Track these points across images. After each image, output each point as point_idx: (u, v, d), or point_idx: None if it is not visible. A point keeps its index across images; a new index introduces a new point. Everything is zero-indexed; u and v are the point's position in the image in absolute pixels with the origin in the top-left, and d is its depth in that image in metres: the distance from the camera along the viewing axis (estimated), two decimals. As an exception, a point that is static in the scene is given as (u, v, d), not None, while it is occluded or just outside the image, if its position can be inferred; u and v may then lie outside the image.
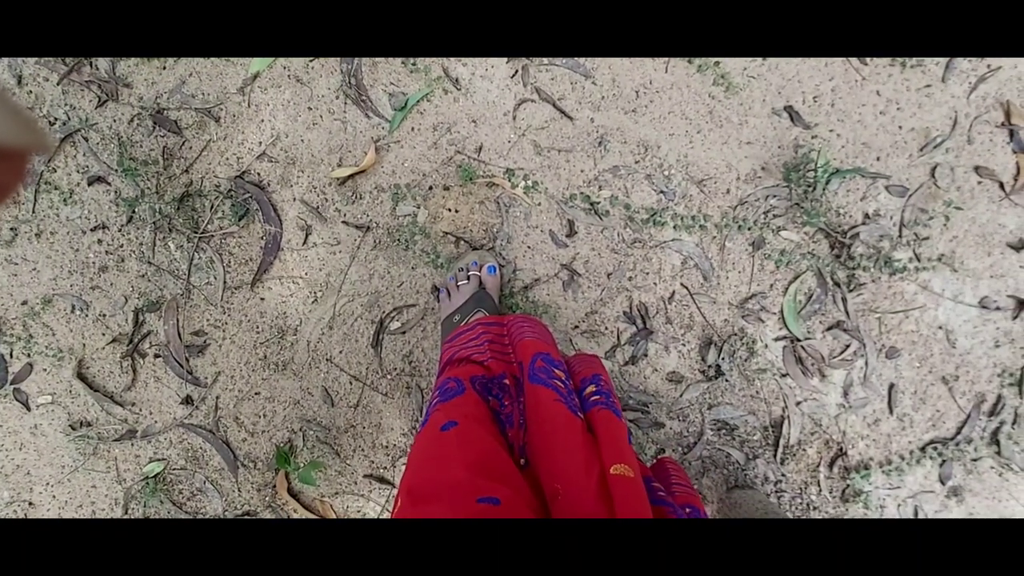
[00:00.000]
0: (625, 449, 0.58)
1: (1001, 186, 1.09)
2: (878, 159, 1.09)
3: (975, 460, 1.10)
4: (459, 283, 1.00)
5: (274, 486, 1.11)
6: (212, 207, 1.07)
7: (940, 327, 1.10)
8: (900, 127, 1.09)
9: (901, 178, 1.09)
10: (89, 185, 1.08)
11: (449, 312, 0.98)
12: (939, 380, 1.10)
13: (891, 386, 1.10)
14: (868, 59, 1.07)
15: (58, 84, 1.07)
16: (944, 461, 1.10)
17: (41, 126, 0.24)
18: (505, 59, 1.07)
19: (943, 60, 1.08)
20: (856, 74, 1.08)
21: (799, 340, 1.09)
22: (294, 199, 1.08)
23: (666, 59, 1.07)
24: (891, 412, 1.10)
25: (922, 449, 1.10)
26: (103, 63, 1.08)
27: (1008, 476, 1.11)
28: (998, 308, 1.10)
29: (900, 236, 1.09)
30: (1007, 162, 1.09)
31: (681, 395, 1.09)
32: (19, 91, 1.07)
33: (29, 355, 1.10)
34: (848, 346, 1.09)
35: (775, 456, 1.09)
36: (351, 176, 1.07)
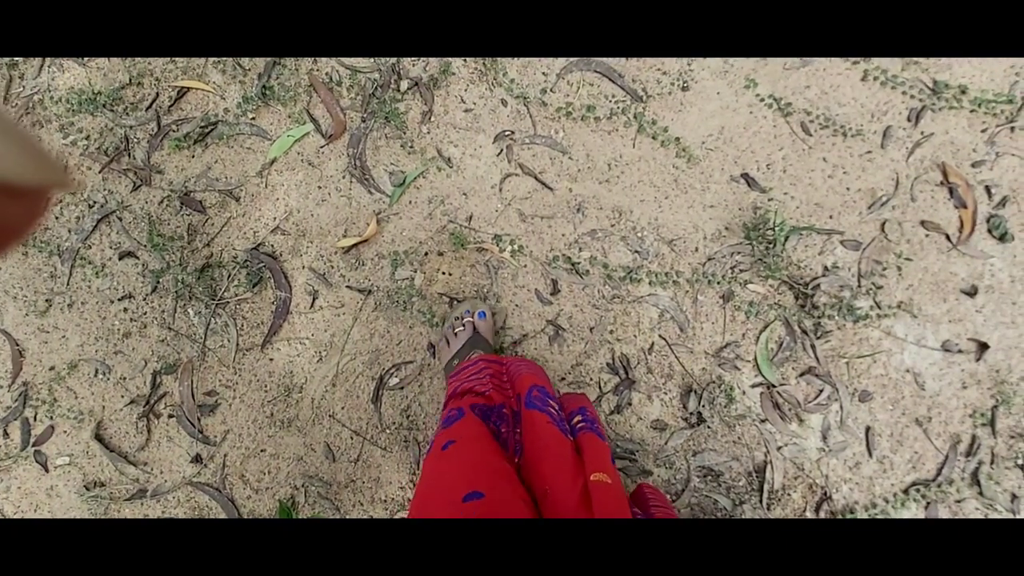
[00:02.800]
0: (606, 462, 0.67)
1: (947, 238, 1.19)
2: (831, 217, 1.20)
3: (959, 502, 1.13)
4: (456, 330, 1.08)
5: (276, 543, 1.14)
6: (229, 276, 1.19)
7: (908, 370, 1.16)
8: (848, 188, 1.21)
9: (854, 233, 1.19)
10: (120, 259, 1.20)
11: (448, 357, 1.06)
12: (913, 422, 1.15)
13: (868, 429, 1.15)
14: (812, 131, 1.21)
15: (99, 172, 1.22)
16: (929, 503, 1.13)
17: (60, 163, 0.22)
18: (492, 139, 1.22)
19: (880, 128, 1.21)
20: (803, 144, 1.21)
21: (774, 386, 1.15)
22: (303, 267, 1.19)
23: (633, 136, 1.22)
24: (870, 455, 1.14)
25: (905, 491, 1.13)
26: (140, 152, 1.23)
27: (993, 517, 1.13)
28: (961, 351, 1.16)
29: (859, 286, 1.18)
30: (950, 216, 1.20)
31: (666, 442, 1.14)
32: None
33: (52, 418, 1.18)
34: (821, 391, 1.15)
35: (761, 502, 1.12)
36: (355, 245, 1.19)
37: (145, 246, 1.19)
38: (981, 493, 1.12)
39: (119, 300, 1.19)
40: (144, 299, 1.19)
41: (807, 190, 1.20)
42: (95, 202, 1.21)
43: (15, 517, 1.17)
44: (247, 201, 1.21)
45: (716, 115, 1.22)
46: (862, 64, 1.22)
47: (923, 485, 1.13)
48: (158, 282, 1.19)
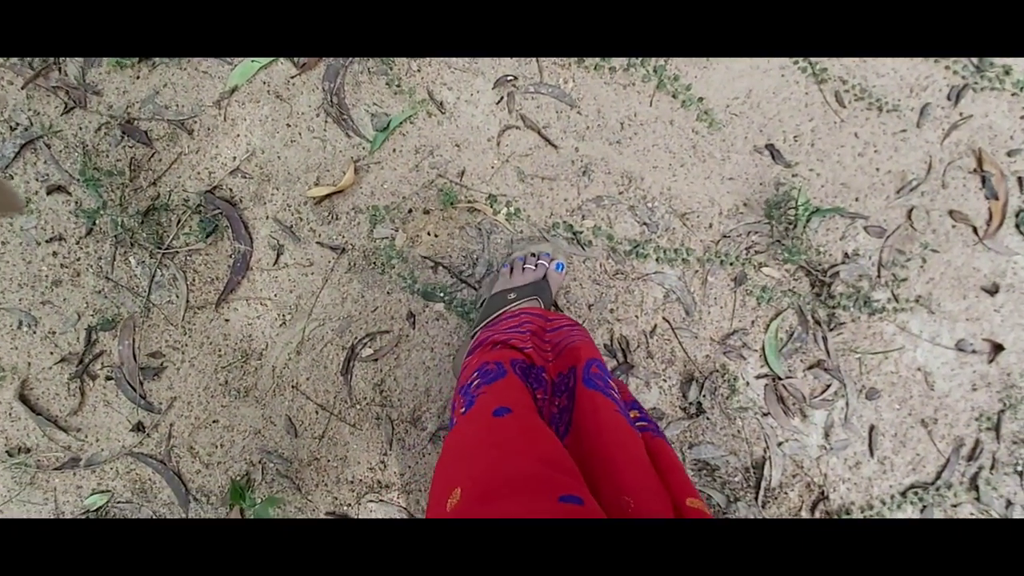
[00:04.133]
0: (690, 483, 0.57)
1: (975, 231, 1.11)
2: (856, 200, 1.10)
3: (955, 506, 1.09)
4: (526, 266, 0.97)
5: (227, 522, 1.03)
6: (179, 222, 1.03)
7: (919, 369, 1.09)
8: (877, 169, 1.10)
9: (879, 219, 1.10)
10: (48, 194, 1.02)
11: (505, 288, 0.95)
12: (919, 423, 1.09)
13: (872, 428, 1.08)
14: (846, 102, 1.10)
15: (23, 88, 1.02)
16: (924, 507, 1.08)
17: (12, 188, 0.21)
18: (491, 84, 1.06)
19: (918, 105, 1.11)
20: (835, 116, 1.10)
21: (780, 379, 1.07)
22: (267, 217, 1.04)
23: (651, 93, 1.08)
24: (872, 455, 1.08)
25: (903, 494, 1.08)
26: (73, 68, 1.03)
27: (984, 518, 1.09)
28: (974, 351, 1.10)
29: (879, 276, 1.09)
30: (980, 207, 1.11)
31: (662, 432, 1.06)
32: (-20, 94, 1.02)
33: (-34, 373, 1.02)
34: (829, 386, 1.08)
35: (756, 499, 1.06)
36: (328, 196, 1.04)
37: (78, 180, 1.02)
38: (978, 498, 1.08)
39: (47, 242, 1.02)
40: (77, 243, 1.03)
41: (835, 168, 1.09)
42: (18, 123, 1.02)
43: (-76, 483, 1.03)
44: (202, 135, 1.04)
45: (745, 75, 1.09)
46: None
47: (921, 488, 1.09)
48: (94, 224, 1.02)
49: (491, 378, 0.65)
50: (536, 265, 0.97)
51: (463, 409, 0.63)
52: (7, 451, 1.03)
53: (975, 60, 1.11)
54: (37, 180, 1.02)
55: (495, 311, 0.91)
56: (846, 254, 1.09)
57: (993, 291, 1.10)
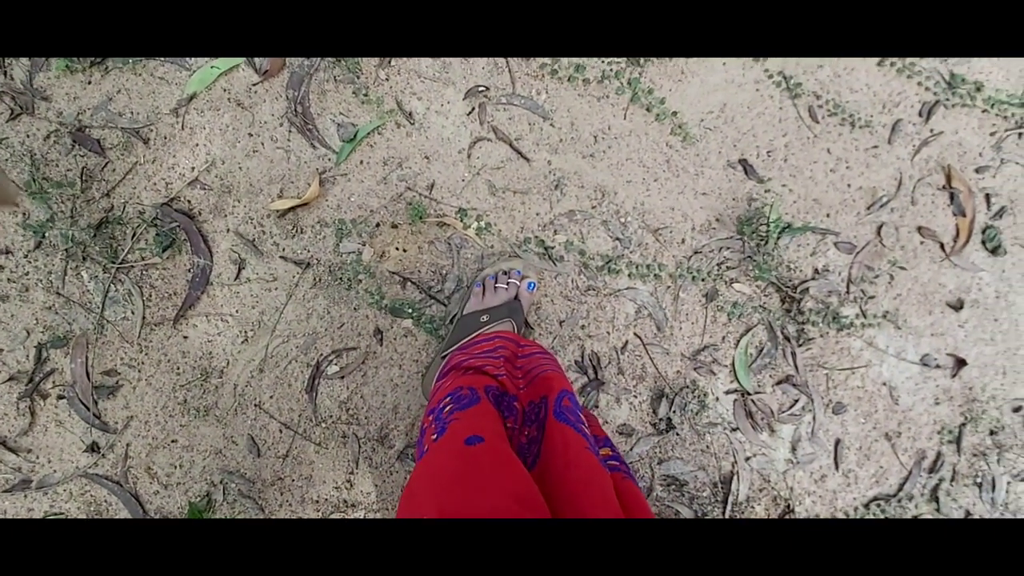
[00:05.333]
0: None
1: (942, 247, 1.12)
2: (828, 215, 1.10)
3: (915, 517, 1.11)
4: (497, 285, 0.95)
5: (189, 544, 1.00)
6: (134, 235, 0.98)
7: (884, 383, 1.11)
8: (849, 185, 1.11)
9: (849, 235, 1.10)
10: (-8, 205, 0.97)
11: (477, 309, 0.93)
12: (883, 436, 1.11)
13: (837, 442, 1.10)
14: (820, 117, 1.09)
15: (-37, 92, 0.97)
16: (887, 519, 1.10)
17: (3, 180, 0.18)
18: (462, 95, 1.04)
19: (890, 121, 1.11)
20: (808, 131, 1.10)
21: (749, 394, 1.07)
22: (228, 230, 1.00)
23: (625, 106, 1.06)
24: (837, 468, 1.10)
25: (866, 506, 1.10)
26: (19, 72, 0.98)
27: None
28: (938, 366, 1.12)
29: (848, 292, 1.10)
30: (947, 224, 1.12)
31: (631, 449, 1.06)
32: (-83, 97, 0.96)
33: (-93, 392, 0.97)
34: (797, 401, 1.09)
35: (723, 513, 1.06)
36: (292, 208, 1.00)
37: (25, 191, 0.97)
38: (938, 510, 1.11)
39: (-7, 255, 0.97)
40: (26, 256, 0.98)
41: (807, 183, 1.09)
42: (-42, 130, 0.97)
43: None
44: (158, 144, 0.99)
45: (719, 89, 1.07)
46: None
47: (884, 500, 1.11)
48: (43, 237, 0.97)
49: (464, 404, 0.64)
50: (508, 284, 0.95)
51: (435, 436, 0.62)
52: (-46, 473, 0.98)
53: (947, 76, 1.12)
54: (-19, 190, 0.97)
55: (468, 333, 0.89)
56: (816, 270, 1.09)
57: (958, 307, 1.12)
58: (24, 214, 0.97)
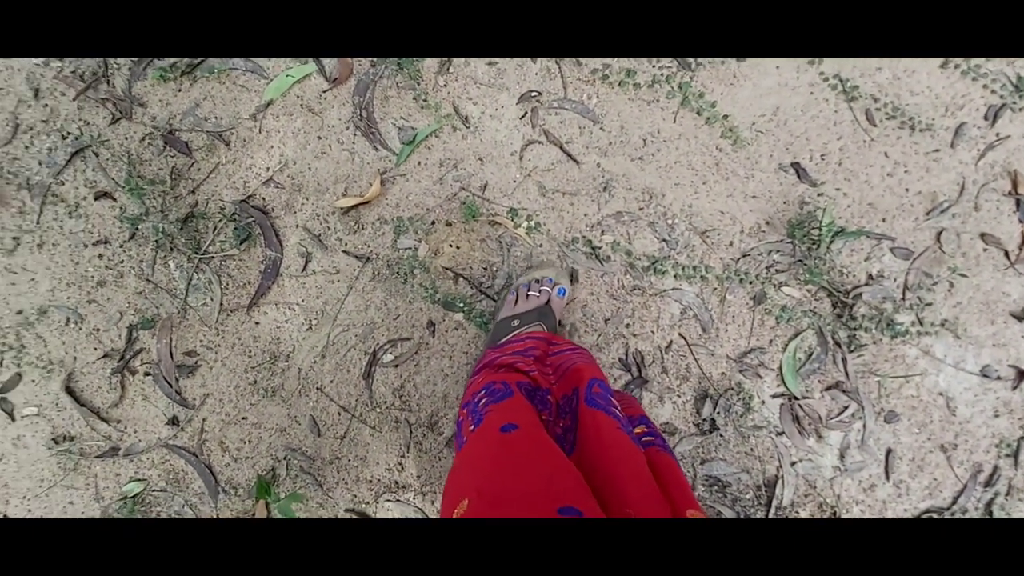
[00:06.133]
0: (693, 497, 0.59)
1: (1006, 255, 1.08)
2: (883, 220, 1.08)
3: (973, 533, 1.07)
4: (530, 292, 0.99)
5: (253, 515, 1.08)
6: (215, 229, 1.08)
7: (941, 394, 1.08)
8: (907, 190, 1.08)
9: (906, 241, 1.08)
10: (95, 200, 1.08)
11: (509, 315, 0.97)
12: (938, 448, 1.08)
13: (888, 451, 1.07)
14: (877, 120, 1.08)
15: (74, 99, 1.08)
16: (941, 532, 1.07)
17: None
18: (515, 100, 1.08)
19: (953, 125, 1.08)
20: (865, 134, 1.08)
21: (797, 398, 1.07)
22: (296, 226, 1.08)
23: (675, 110, 1.08)
24: (887, 478, 1.07)
25: (917, 518, 1.07)
26: (120, 80, 1.09)
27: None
28: (999, 377, 1.08)
29: (903, 299, 1.07)
30: (1013, 231, 1.08)
31: (674, 447, 1.07)
32: (35, 104, 1.09)
33: (19, 365, 1.09)
34: (846, 407, 1.07)
35: (767, 517, 1.06)
36: (355, 206, 1.07)
37: (123, 187, 1.08)
38: (998, 527, 1.07)
39: (94, 245, 1.09)
40: (121, 246, 1.09)
41: (862, 187, 1.08)
42: (69, 133, 1.09)
43: (-19, 464, 1.11)
44: (238, 146, 1.09)
45: (772, 93, 1.08)
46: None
47: (936, 513, 1.07)
48: (136, 229, 1.08)
49: (498, 397, 0.68)
50: (540, 291, 0.98)
51: (472, 427, 0.66)
52: (53, 439, 1.10)
53: (1014, 79, 1.08)
54: (86, 186, 1.09)
55: (499, 339, 0.93)
56: (870, 275, 1.08)
57: (1022, 317, 1.08)
58: (121, 208, 1.08)
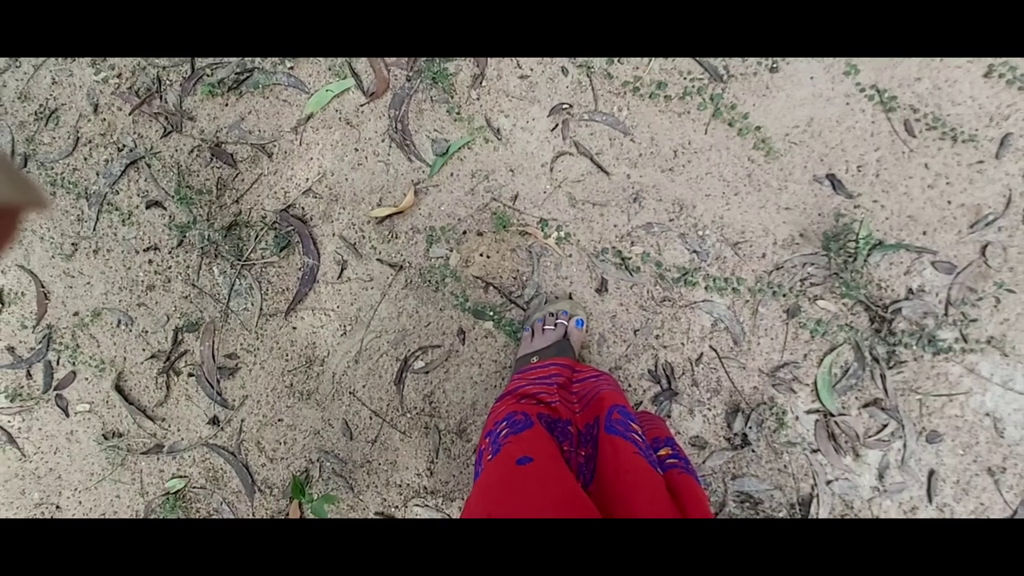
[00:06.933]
0: (711, 514, 0.59)
1: (1059, 270, 1.03)
2: (924, 233, 1.05)
3: None
4: (545, 327, 0.99)
5: (287, 515, 1.12)
6: (257, 237, 1.12)
7: (987, 414, 1.04)
8: (949, 202, 1.05)
9: (949, 254, 1.05)
10: (147, 208, 1.15)
11: (528, 352, 0.97)
12: (984, 471, 1.03)
13: (931, 472, 1.04)
14: (917, 131, 1.05)
15: (130, 114, 1.15)
16: (988, 559, 1.02)
17: (36, 185, 0.24)
18: (547, 112, 1.10)
19: (998, 135, 1.05)
20: (904, 145, 1.06)
21: (832, 415, 1.04)
22: (333, 234, 1.12)
23: (706, 121, 1.08)
24: (930, 500, 1.03)
25: (964, 544, 1.03)
26: (172, 96, 1.16)
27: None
28: (1053, 399, 1.03)
29: (946, 315, 1.04)
30: (1066, 245, 1.04)
31: (704, 461, 1.06)
32: (94, 118, 1.16)
33: (74, 364, 1.16)
34: (885, 426, 1.04)
35: (801, 536, 1.03)
36: (389, 216, 1.11)
37: (173, 197, 1.14)
38: (1051, 557, 1.01)
39: (144, 251, 1.15)
40: (170, 252, 1.14)
41: (901, 200, 1.05)
42: (124, 145, 1.15)
43: (35, 456, 1.17)
44: (280, 158, 1.13)
45: (806, 103, 1.07)
46: (987, 58, 1.04)
47: (985, 539, 1.03)
48: (184, 236, 1.13)
49: (518, 428, 0.69)
50: (556, 325, 0.98)
51: (490, 456, 0.68)
52: (103, 434, 1.16)
53: (1066, 87, 1.04)
54: (138, 196, 1.15)
55: (520, 369, 0.94)
56: (910, 290, 1.05)
57: (1078, 335, 1.03)
58: (170, 216, 1.14)
